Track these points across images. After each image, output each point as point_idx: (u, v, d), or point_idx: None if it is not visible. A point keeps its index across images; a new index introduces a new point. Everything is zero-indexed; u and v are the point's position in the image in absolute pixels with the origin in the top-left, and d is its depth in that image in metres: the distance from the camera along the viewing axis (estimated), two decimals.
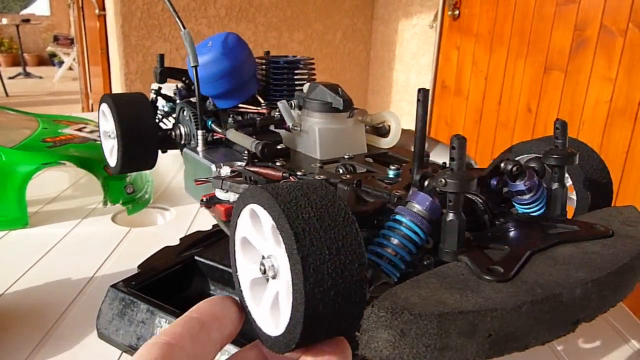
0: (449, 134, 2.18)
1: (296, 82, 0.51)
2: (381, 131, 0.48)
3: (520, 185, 0.32)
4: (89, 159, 0.65)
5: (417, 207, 0.27)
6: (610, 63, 1.49)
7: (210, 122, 0.47)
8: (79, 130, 0.75)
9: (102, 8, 2.49)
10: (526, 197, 0.32)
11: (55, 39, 6.03)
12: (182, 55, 2.25)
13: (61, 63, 5.92)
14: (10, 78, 5.45)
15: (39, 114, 0.80)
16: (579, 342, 0.47)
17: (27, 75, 5.91)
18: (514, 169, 0.32)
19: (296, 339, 0.22)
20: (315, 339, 0.23)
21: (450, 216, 0.26)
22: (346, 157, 0.42)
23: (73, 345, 0.43)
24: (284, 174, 0.37)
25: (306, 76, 0.51)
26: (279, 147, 0.42)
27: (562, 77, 1.62)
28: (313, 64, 0.52)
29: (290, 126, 0.43)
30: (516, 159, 0.43)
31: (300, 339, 0.22)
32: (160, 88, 0.56)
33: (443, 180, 0.25)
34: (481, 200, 0.33)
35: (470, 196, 0.32)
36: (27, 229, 0.63)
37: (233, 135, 0.44)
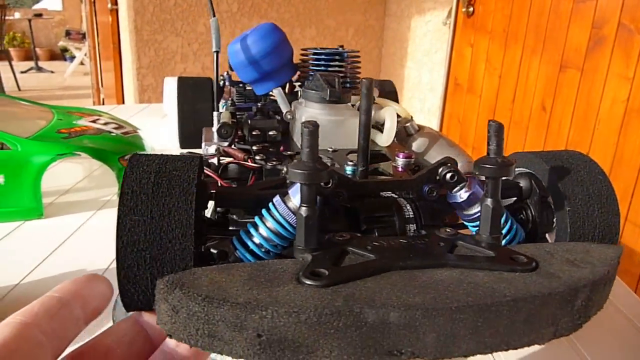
0: (461, 132, 2.17)
1: (345, 72, 0.51)
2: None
3: (456, 196, 0.28)
4: (104, 150, 0.64)
5: (292, 200, 0.25)
6: (628, 61, 1.47)
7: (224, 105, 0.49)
8: (93, 122, 0.75)
9: (115, 2, 2.50)
10: (470, 211, 0.27)
11: (67, 33, 6.05)
12: (193, 50, 2.25)
13: (73, 58, 5.95)
14: (22, 72, 5.48)
15: (53, 106, 0.80)
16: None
17: (39, 69, 5.95)
18: (449, 175, 0.28)
19: (123, 299, 0.24)
20: (135, 300, 0.24)
21: (302, 210, 0.23)
22: (330, 149, 0.40)
23: (89, 335, 0.43)
24: (245, 156, 0.39)
25: (349, 68, 0.51)
26: (270, 133, 0.45)
27: (578, 75, 1.60)
28: (357, 56, 0.51)
29: (284, 113, 0.44)
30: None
31: (124, 299, 0.24)
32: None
33: (286, 169, 0.24)
34: (411, 206, 0.30)
35: (403, 200, 0.30)
36: (42, 219, 0.63)
37: (224, 115, 0.47)
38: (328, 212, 0.29)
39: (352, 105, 0.45)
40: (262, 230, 0.26)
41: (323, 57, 0.49)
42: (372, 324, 0.19)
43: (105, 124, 0.76)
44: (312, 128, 0.22)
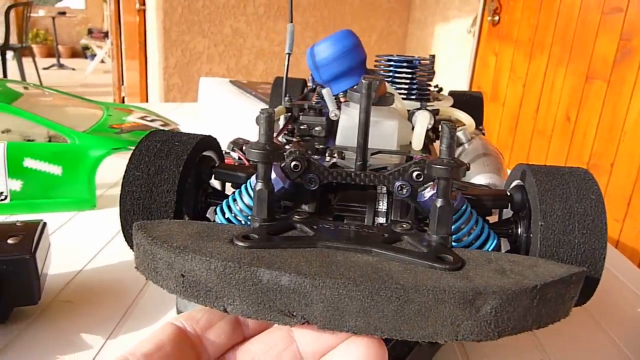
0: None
1: (413, 80, 0.52)
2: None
3: (420, 195, 0.27)
4: None
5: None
6: None
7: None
8: (141, 118, 0.77)
9: (143, 3, 2.54)
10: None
11: (90, 32, 6.15)
12: (219, 52, 2.28)
13: (93, 56, 6.03)
14: (44, 69, 5.57)
15: (100, 102, 0.83)
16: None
17: (61, 66, 6.04)
18: (415, 174, 0.28)
19: (124, 236, 0.33)
20: (130, 238, 0.29)
21: (257, 185, 0.26)
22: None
23: (154, 321, 0.45)
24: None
25: (425, 74, 0.53)
26: (316, 129, 0.47)
27: (605, 86, 1.60)
28: (431, 63, 0.53)
29: (330, 112, 0.46)
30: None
31: (124, 236, 0.34)
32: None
33: (248, 150, 0.26)
34: (387, 201, 0.31)
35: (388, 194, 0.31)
36: (95, 210, 0.66)
37: (279, 110, 0.51)
38: (303, 194, 0.31)
39: (409, 111, 0.47)
40: (239, 203, 0.30)
41: (392, 63, 0.51)
42: (267, 283, 0.21)
43: (152, 120, 0.78)
44: (267, 114, 0.25)
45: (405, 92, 0.52)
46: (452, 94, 0.61)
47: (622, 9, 1.55)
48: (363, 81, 0.29)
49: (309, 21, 2.42)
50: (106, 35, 5.61)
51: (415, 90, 0.52)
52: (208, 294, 0.22)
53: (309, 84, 0.65)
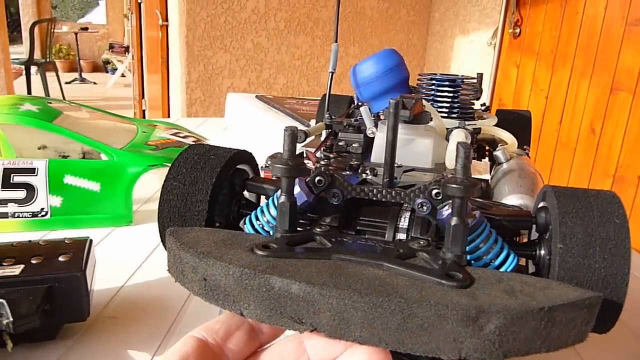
0: None
1: (455, 99, 0.53)
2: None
3: (440, 212, 0.27)
4: None
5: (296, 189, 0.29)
6: None
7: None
8: (174, 134, 0.78)
9: (165, 19, 2.59)
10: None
11: (111, 47, 6.27)
12: (240, 66, 2.31)
13: (114, 70, 6.14)
14: (67, 83, 5.69)
15: (133, 118, 0.85)
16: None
17: (83, 80, 6.16)
18: (434, 192, 0.28)
19: (162, 241, 0.33)
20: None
21: (280, 197, 0.28)
22: (396, 165, 0.43)
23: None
24: (316, 161, 0.45)
25: (468, 93, 0.53)
26: (354, 145, 0.48)
27: (630, 98, 1.59)
28: (478, 82, 0.53)
29: (367, 129, 0.47)
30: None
31: (162, 241, 0.34)
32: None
33: (272, 165, 0.28)
34: (409, 218, 0.31)
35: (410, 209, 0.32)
36: (132, 225, 0.67)
37: (319, 126, 0.52)
38: (328, 208, 0.32)
39: (448, 129, 0.47)
40: (266, 214, 0.32)
41: (434, 82, 0.51)
42: (278, 290, 0.22)
43: (185, 137, 0.79)
44: (290, 132, 0.27)
45: (447, 110, 0.52)
46: (499, 112, 0.60)
47: None
48: (391, 101, 0.29)
49: (329, 35, 2.44)
50: (127, 49, 5.71)
51: (457, 109, 0.52)
52: (227, 298, 0.23)
53: (356, 101, 0.66)
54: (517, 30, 2.06)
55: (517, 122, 0.57)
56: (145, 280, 0.54)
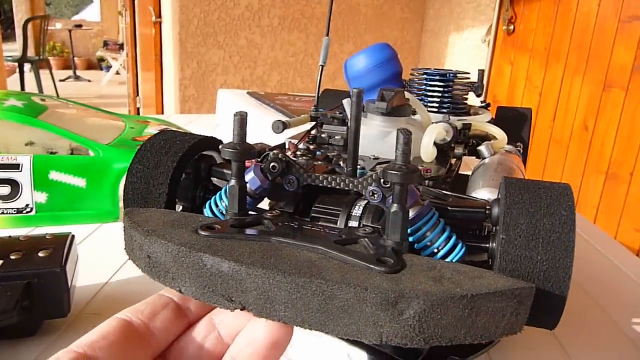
0: None
1: (445, 94, 0.52)
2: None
3: (388, 201, 0.27)
4: None
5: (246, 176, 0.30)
6: None
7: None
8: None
9: (159, 15, 2.58)
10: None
11: (105, 44, 6.24)
12: (234, 63, 2.30)
13: (109, 67, 6.12)
14: (60, 80, 5.66)
15: (122, 114, 0.84)
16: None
17: (77, 78, 6.14)
18: (383, 180, 0.28)
19: None
20: None
21: (230, 181, 0.29)
22: (371, 157, 0.43)
23: None
24: (294, 151, 0.45)
25: (461, 88, 0.52)
26: (336, 137, 0.48)
27: (623, 95, 1.59)
28: (469, 78, 0.53)
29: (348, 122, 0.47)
30: None
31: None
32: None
33: (222, 149, 0.28)
34: (363, 206, 0.31)
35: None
36: (118, 222, 0.66)
37: (302, 118, 0.52)
38: (283, 194, 0.32)
39: (451, 122, 0.47)
40: (224, 199, 0.32)
41: (425, 76, 0.51)
42: (210, 268, 0.23)
43: None
44: (239, 117, 0.27)
45: (437, 105, 0.51)
46: (499, 109, 0.59)
47: (639, 17, 1.54)
48: (353, 90, 0.29)
49: (322, 32, 2.43)
50: (121, 47, 5.69)
51: (448, 104, 0.51)
52: (167, 275, 0.24)
53: None
54: (511, 27, 2.06)
55: (517, 120, 0.56)
56: (129, 277, 0.53)
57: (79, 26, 6.57)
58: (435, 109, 0.52)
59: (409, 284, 0.21)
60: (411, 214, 0.27)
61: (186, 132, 0.40)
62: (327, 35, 0.51)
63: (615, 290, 0.59)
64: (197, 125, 1.22)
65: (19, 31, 4.77)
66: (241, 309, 0.22)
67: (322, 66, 0.50)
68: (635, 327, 0.51)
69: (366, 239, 0.26)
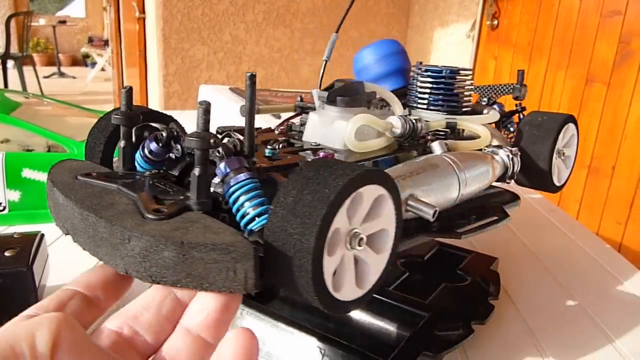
0: None
1: (435, 90, 0.51)
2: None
3: (218, 168, 0.30)
4: None
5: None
6: None
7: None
8: None
9: (142, 11, 2.55)
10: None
11: (90, 40, 6.17)
12: (218, 59, 2.29)
13: (94, 64, 6.05)
14: (45, 77, 5.59)
15: (99, 110, 0.83)
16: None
17: (62, 75, 6.06)
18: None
19: None
20: None
21: (121, 143, 0.34)
22: (313, 143, 0.43)
23: None
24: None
25: (459, 85, 0.51)
26: (305, 126, 0.47)
27: (605, 89, 1.60)
28: (468, 74, 0.51)
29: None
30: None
31: None
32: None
33: (113, 116, 0.33)
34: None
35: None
36: None
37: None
38: (171, 160, 0.35)
39: (407, 117, 0.46)
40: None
41: (418, 72, 0.51)
42: (56, 200, 0.28)
43: None
44: (204, 106, 0.27)
45: (425, 101, 0.51)
46: (532, 114, 0.54)
47: (620, 12, 1.55)
48: (247, 74, 0.30)
49: (308, 27, 2.42)
50: (106, 43, 5.63)
51: (439, 101, 0.50)
52: (52, 210, 0.29)
53: None
54: (495, 22, 2.06)
55: (543, 126, 0.51)
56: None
57: (63, 22, 6.49)
58: (424, 106, 0.51)
59: (147, 227, 0.24)
60: (231, 180, 0.29)
61: (140, 107, 0.41)
62: (337, 32, 0.53)
63: (592, 284, 0.59)
64: (180, 121, 1.21)
65: (1, 27, 4.69)
66: (66, 234, 0.27)
67: (326, 61, 0.51)
68: (610, 321, 0.51)
69: (175, 197, 0.29)
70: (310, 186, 0.26)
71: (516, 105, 0.61)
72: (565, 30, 1.75)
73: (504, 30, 2.03)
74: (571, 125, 0.54)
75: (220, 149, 0.30)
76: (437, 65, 0.51)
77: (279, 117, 0.93)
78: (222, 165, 0.29)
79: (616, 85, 1.57)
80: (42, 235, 0.44)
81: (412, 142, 0.45)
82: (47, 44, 6.82)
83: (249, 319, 0.43)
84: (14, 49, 4.64)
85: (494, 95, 0.64)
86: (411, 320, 0.43)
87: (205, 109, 0.27)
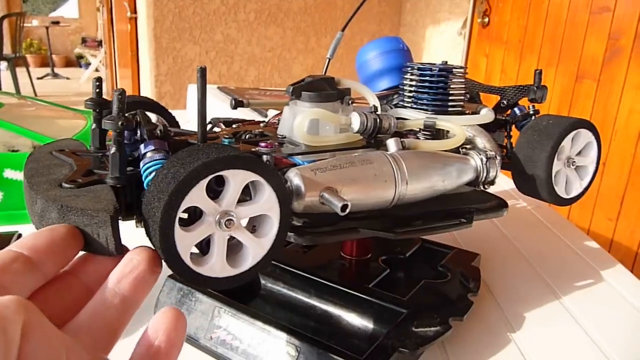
0: None
1: (420, 89, 0.50)
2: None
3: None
4: None
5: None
6: None
7: None
8: None
9: (134, 11, 2.54)
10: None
11: (84, 41, 6.15)
12: (210, 58, 2.28)
13: (88, 65, 6.04)
14: (38, 78, 5.57)
15: (86, 111, 0.83)
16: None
17: (55, 76, 6.04)
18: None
19: None
20: None
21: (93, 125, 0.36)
22: (279, 135, 0.44)
23: (133, 332, 0.44)
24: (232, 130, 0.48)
25: (447, 83, 0.49)
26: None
27: (595, 86, 1.61)
28: (463, 73, 0.49)
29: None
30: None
31: None
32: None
33: (85, 102, 0.35)
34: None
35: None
36: None
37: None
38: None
39: (367, 113, 0.45)
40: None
41: (407, 70, 0.50)
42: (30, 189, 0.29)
43: None
44: (118, 93, 0.29)
45: (410, 99, 0.50)
46: (543, 117, 0.50)
47: (610, 9, 1.55)
48: (197, 67, 0.32)
49: (300, 26, 2.42)
50: (100, 44, 5.61)
51: (424, 100, 0.49)
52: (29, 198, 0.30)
53: None
54: (486, 20, 2.07)
55: (545, 130, 0.47)
56: None
57: (57, 23, 6.47)
58: (409, 104, 0.50)
59: (53, 193, 0.27)
60: (144, 160, 0.31)
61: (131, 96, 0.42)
62: (343, 30, 0.54)
63: (575, 280, 0.59)
64: None
65: None
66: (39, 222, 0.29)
67: (329, 59, 0.52)
68: (591, 317, 0.51)
69: (105, 172, 0.31)
70: (175, 166, 0.28)
71: (529, 107, 0.57)
72: (555, 27, 1.75)
73: (495, 28, 2.04)
74: (583, 131, 0.49)
75: (145, 134, 0.33)
76: (425, 63, 0.50)
77: (266, 115, 0.93)
78: (141, 147, 0.32)
79: (606, 82, 1.58)
80: (20, 235, 0.44)
81: (377, 140, 0.44)
82: (40, 45, 6.80)
83: (226, 317, 0.43)
84: (7, 50, 4.63)
85: (512, 97, 0.59)
86: (389, 318, 0.43)
87: (120, 96, 0.29)
